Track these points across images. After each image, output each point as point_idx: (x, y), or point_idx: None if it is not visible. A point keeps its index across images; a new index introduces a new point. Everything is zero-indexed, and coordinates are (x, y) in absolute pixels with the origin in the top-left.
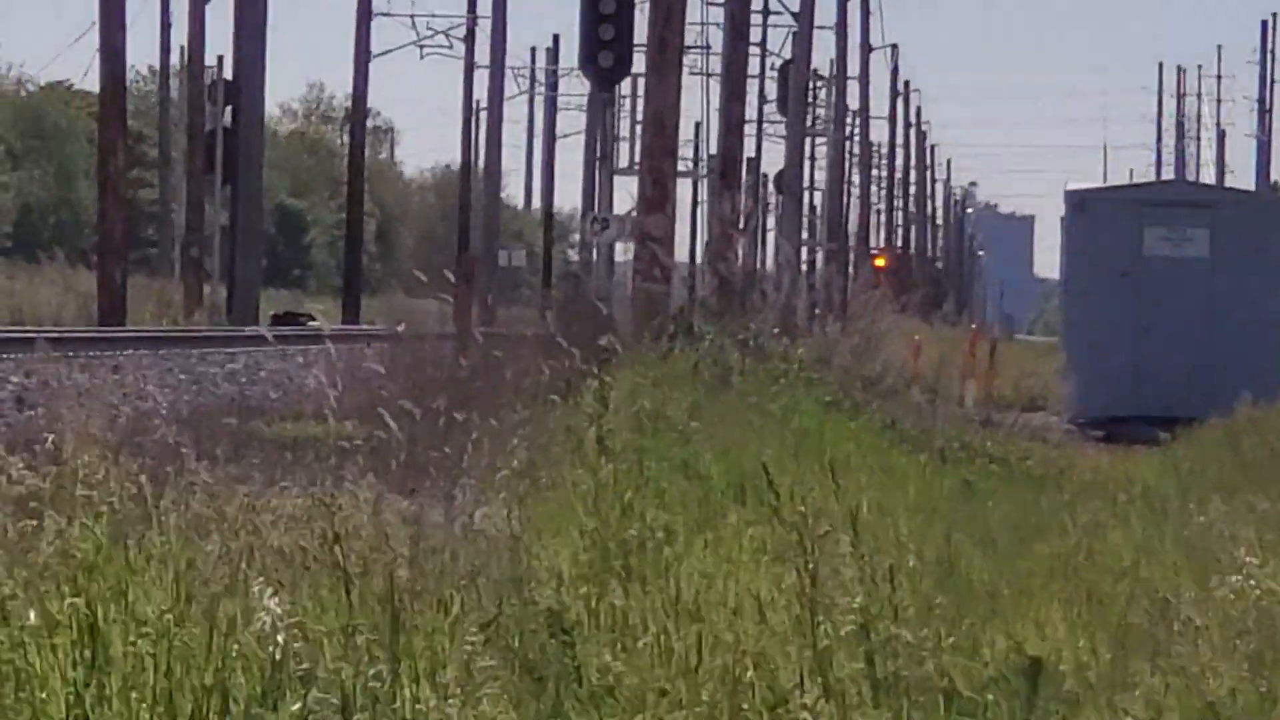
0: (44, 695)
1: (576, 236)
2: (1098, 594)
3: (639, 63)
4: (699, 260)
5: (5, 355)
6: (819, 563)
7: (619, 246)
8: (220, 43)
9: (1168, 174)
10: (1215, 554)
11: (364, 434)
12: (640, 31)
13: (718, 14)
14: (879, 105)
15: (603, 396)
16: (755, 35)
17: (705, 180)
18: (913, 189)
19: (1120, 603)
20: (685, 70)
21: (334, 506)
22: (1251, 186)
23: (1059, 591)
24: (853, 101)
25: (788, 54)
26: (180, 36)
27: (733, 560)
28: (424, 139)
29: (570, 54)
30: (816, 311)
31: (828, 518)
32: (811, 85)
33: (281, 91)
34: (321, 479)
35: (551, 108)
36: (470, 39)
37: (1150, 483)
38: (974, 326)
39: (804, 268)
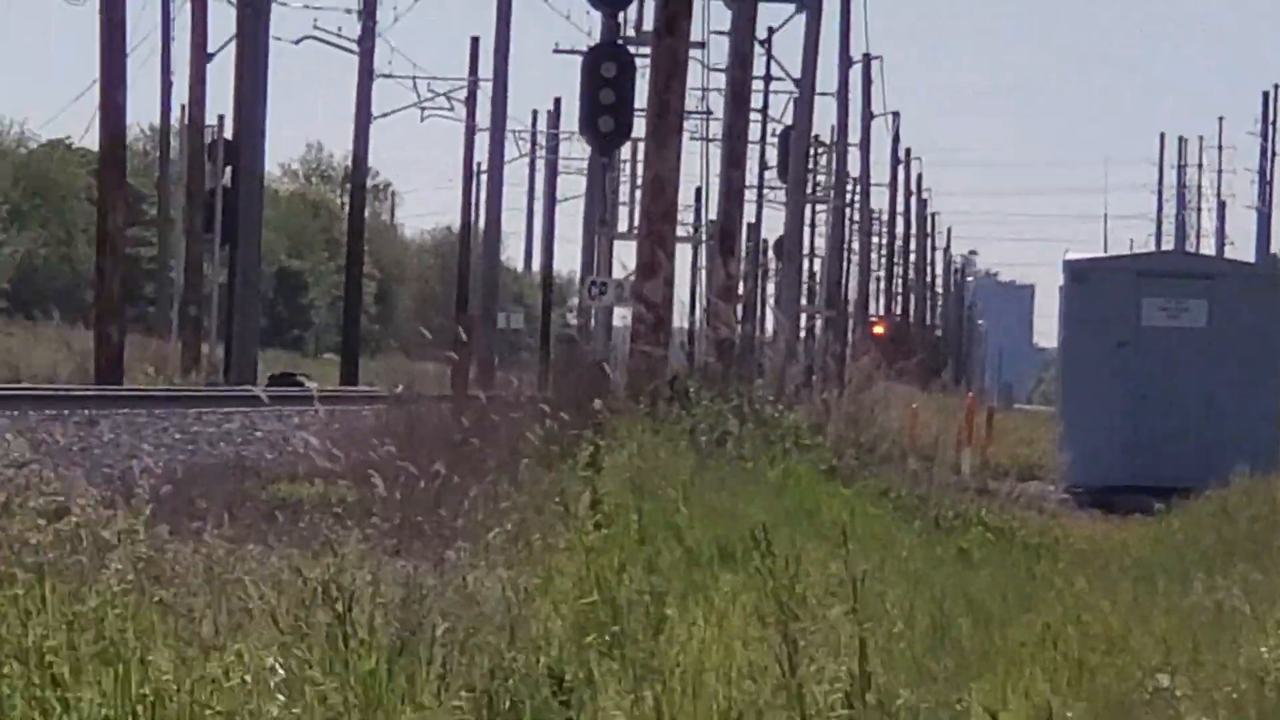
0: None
1: (575, 300)
2: (1087, 664)
3: (639, 127)
4: (697, 325)
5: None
6: (810, 629)
7: (617, 310)
8: (221, 102)
9: (1168, 244)
10: (1205, 626)
11: (359, 495)
12: (641, 96)
13: (719, 79)
14: (880, 172)
15: (596, 460)
16: (756, 101)
17: (705, 245)
18: (913, 256)
19: (1108, 673)
20: (685, 135)
21: (328, 569)
22: (1252, 258)
23: (1048, 660)
24: (853, 168)
25: (789, 120)
26: (181, 95)
27: (723, 625)
28: (424, 200)
29: (571, 117)
30: (814, 378)
31: (822, 583)
32: (812, 152)
33: (281, 151)
34: (313, 540)
35: (552, 171)
36: (471, 101)
37: (1144, 553)
38: (970, 395)
39: (803, 334)
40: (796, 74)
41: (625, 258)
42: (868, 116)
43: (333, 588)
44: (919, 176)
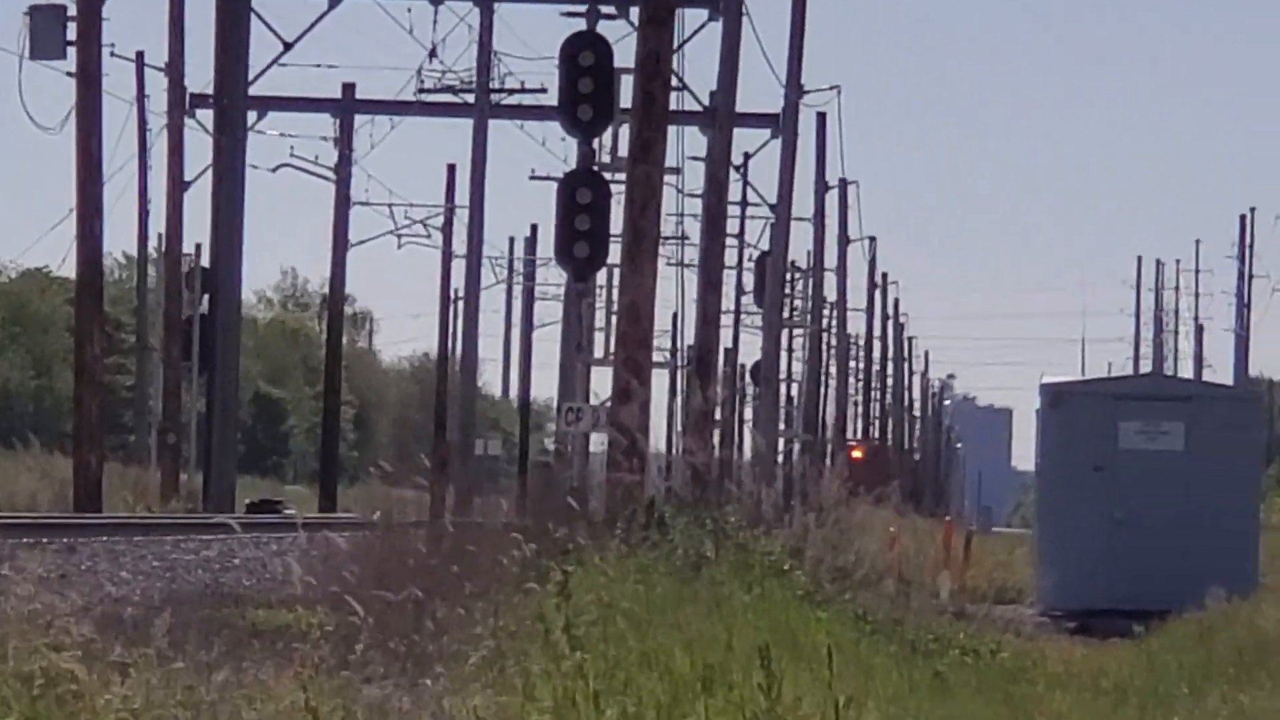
0: None
1: (553, 426)
2: None
3: (615, 253)
4: (675, 450)
5: None
6: None
7: (594, 436)
8: (198, 229)
9: (1145, 367)
10: None
11: (335, 621)
12: (616, 222)
13: (695, 205)
14: (856, 297)
15: (567, 586)
16: (733, 226)
17: (682, 370)
18: (890, 380)
19: None
20: (662, 261)
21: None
22: (1230, 380)
23: None
24: (830, 292)
25: (765, 245)
26: (158, 223)
27: None
28: (402, 327)
29: (547, 244)
30: (792, 503)
31: (803, 708)
32: (789, 276)
33: (258, 278)
34: (288, 667)
35: (529, 297)
36: (448, 228)
37: (1122, 676)
38: (948, 518)
39: (780, 458)
40: (772, 199)
41: (602, 383)
42: (844, 241)
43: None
44: (896, 301)
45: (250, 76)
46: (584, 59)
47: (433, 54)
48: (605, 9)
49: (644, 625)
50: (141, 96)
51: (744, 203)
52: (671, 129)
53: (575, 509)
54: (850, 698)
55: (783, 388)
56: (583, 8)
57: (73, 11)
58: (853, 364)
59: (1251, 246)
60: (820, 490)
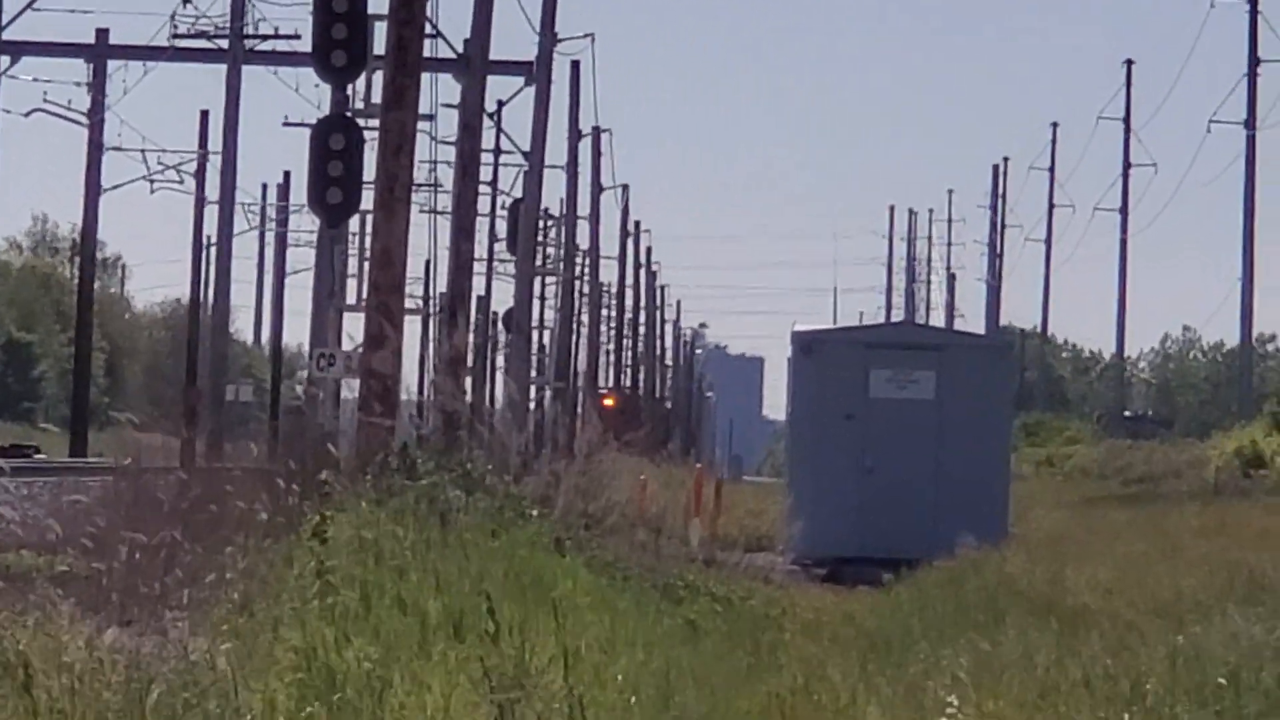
0: None
1: (305, 372)
2: None
3: (368, 199)
4: (427, 396)
5: None
6: (533, 699)
7: (346, 382)
8: None
9: (898, 317)
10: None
11: (85, 565)
12: (370, 168)
13: (448, 152)
14: (609, 245)
15: (322, 531)
16: (486, 174)
17: (434, 317)
18: (642, 329)
19: None
20: (415, 208)
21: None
22: (982, 330)
23: None
24: (583, 241)
25: (519, 193)
26: None
27: (444, 694)
28: (155, 273)
29: (301, 190)
30: (543, 450)
31: (546, 654)
32: (542, 224)
33: (8, 225)
34: (32, 610)
35: (281, 244)
36: (201, 174)
37: (872, 624)
38: (699, 466)
39: (532, 405)
40: (526, 146)
41: (355, 330)
42: (597, 189)
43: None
44: (649, 250)
45: (3, 21)
46: (338, 5)
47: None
48: None
49: (397, 568)
50: None
51: (497, 150)
52: (425, 76)
53: (326, 453)
54: (596, 641)
55: (535, 335)
56: None
57: None
58: (605, 312)
59: (1004, 197)
60: (577, 438)
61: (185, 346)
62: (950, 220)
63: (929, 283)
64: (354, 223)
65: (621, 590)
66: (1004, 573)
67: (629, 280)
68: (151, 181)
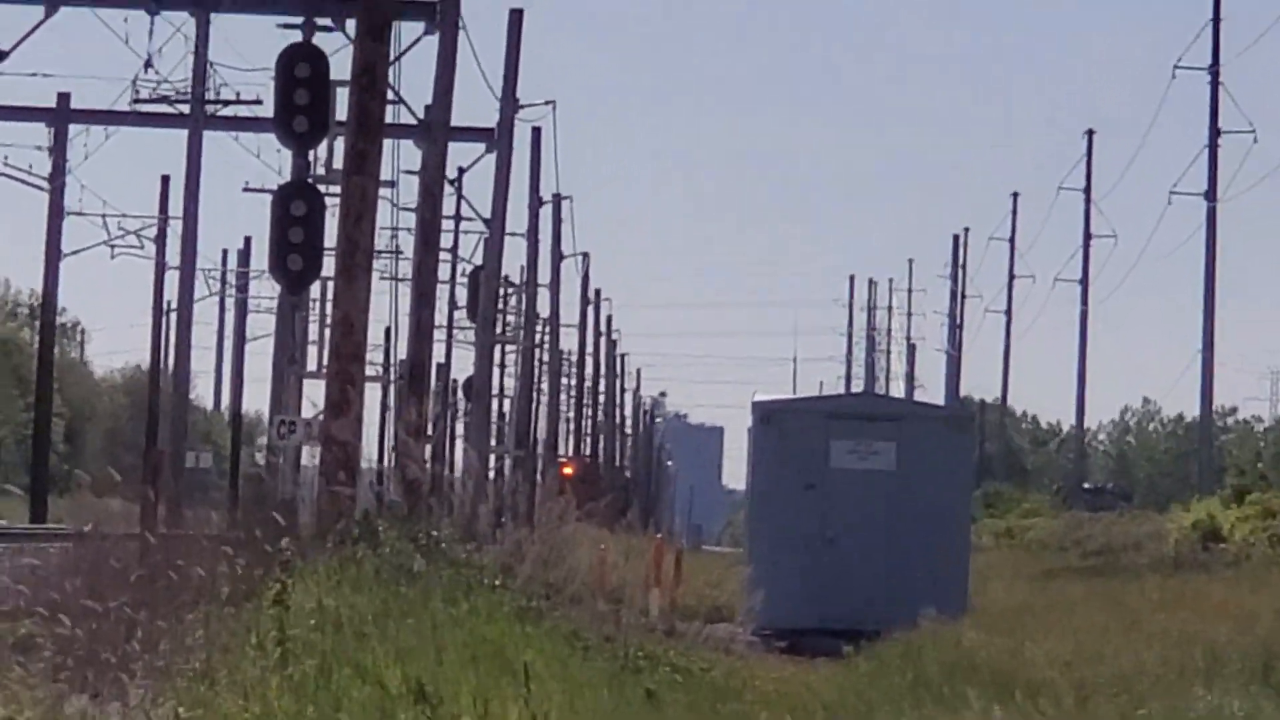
0: None
1: (265, 439)
2: None
3: (329, 266)
4: (387, 464)
5: None
6: None
7: (306, 449)
8: None
9: (858, 386)
10: None
11: (45, 632)
12: (331, 235)
13: (409, 218)
14: (570, 313)
15: (283, 599)
16: (447, 241)
17: (394, 385)
18: (602, 397)
19: None
20: (376, 275)
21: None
22: (941, 400)
23: None
24: (543, 308)
25: (479, 259)
26: None
27: None
28: (115, 338)
29: (262, 256)
30: (503, 520)
31: None
32: (502, 291)
33: None
34: None
35: (242, 310)
36: (161, 239)
37: (830, 696)
38: (658, 536)
39: (492, 474)
40: (487, 213)
41: (315, 396)
42: (558, 257)
43: None
44: (609, 318)
45: None
46: (300, 71)
47: (148, 64)
48: (322, 21)
49: (359, 637)
50: None
51: (458, 217)
52: (387, 142)
53: (285, 522)
54: (558, 712)
55: (495, 403)
56: (299, 19)
57: None
58: (565, 380)
59: (964, 267)
60: (539, 507)
61: (145, 412)
62: (910, 290)
63: (889, 352)
64: (315, 289)
65: (583, 660)
66: (961, 645)
67: (589, 348)
68: (112, 247)
